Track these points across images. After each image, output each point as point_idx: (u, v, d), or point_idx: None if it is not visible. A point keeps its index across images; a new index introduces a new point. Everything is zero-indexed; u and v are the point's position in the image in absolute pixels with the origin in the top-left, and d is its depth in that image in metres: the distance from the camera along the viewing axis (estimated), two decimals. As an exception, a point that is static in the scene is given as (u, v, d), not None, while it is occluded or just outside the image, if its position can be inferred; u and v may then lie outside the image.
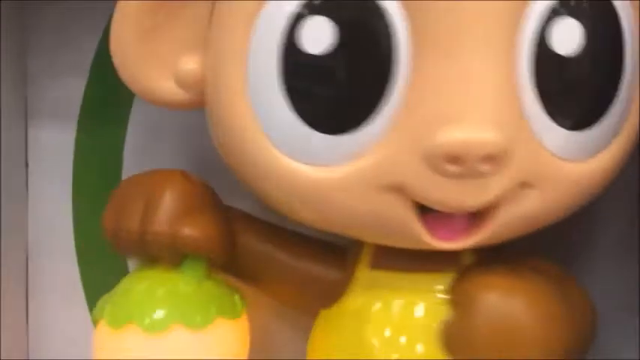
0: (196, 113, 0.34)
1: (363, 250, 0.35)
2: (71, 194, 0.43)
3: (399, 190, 0.30)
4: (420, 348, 0.33)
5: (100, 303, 0.36)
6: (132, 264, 0.41)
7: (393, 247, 0.33)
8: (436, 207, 0.30)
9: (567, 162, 0.31)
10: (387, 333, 0.33)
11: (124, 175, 0.42)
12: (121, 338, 0.35)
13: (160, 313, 0.34)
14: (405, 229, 0.31)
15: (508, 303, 0.31)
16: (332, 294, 0.35)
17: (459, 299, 0.32)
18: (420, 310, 0.33)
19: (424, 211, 0.31)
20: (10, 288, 0.42)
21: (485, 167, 0.29)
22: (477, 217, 0.31)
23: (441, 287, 0.33)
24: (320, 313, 0.36)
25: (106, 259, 0.42)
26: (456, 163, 0.29)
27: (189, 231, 0.34)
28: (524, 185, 0.30)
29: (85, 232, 0.43)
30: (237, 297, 0.37)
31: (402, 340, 0.33)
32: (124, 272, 0.41)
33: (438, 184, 0.29)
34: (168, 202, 0.34)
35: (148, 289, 0.35)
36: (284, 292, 0.37)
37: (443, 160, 0.29)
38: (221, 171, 0.35)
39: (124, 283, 0.36)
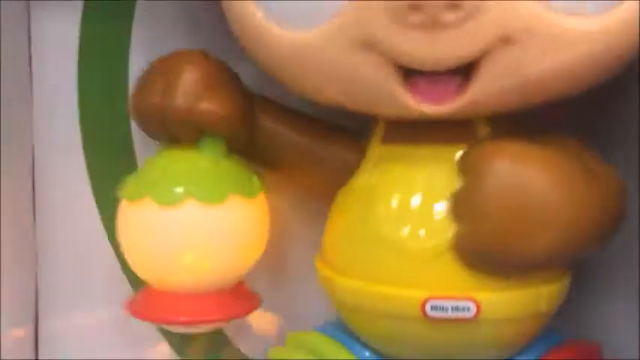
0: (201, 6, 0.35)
1: (377, 127, 0.35)
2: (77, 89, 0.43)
3: (372, 47, 0.30)
4: (431, 220, 0.32)
5: (124, 181, 0.37)
6: (140, 156, 0.42)
7: (403, 121, 0.32)
8: (411, 64, 0.30)
9: (562, 15, 0.29)
10: (398, 207, 0.32)
11: (131, 70, 0.42)
12: (137, 211, 0.36)
13: (173, 187, 0.35)
14: (387, 93, 0.30)
15: (521, 170, 0.29)
16: (348, 175, 0.35)
17: (468, 167, 0.31)
18: (431, 183, 0.32)
19: (409, 75, 0.30)
20: (16, 181, 0.42)
21: (449, 16, 0.28)
22: (463, 79, 0.30)
23: (453, 159, 0.32)
24: (336, 193, 0.36)
25: (113, 152, 0.42)
26: (417, 10, 0.28)
27: (207, 105, 0.34)
28: (507, 41, 0.29)
29: (92, 125, 0.43)
30: (254, 178, 0.37)
31: (414, 213, 0.32)
32: (130, 163, 0.42)
33: (408, 37, 0.29)
34: (187, 78, 0.34)
35: (165, 164, 0.36)
36: (302, 174, 0.37)
37: (404, 9, 0.28)
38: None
39: (146, 163, 0.37)
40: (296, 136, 0.37)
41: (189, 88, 0.34)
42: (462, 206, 0.31)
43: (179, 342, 0.44)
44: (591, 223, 0.30)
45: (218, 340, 0.44)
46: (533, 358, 0.34)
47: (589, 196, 0.30)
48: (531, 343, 0.34)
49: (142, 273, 0.38)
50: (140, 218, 0.36)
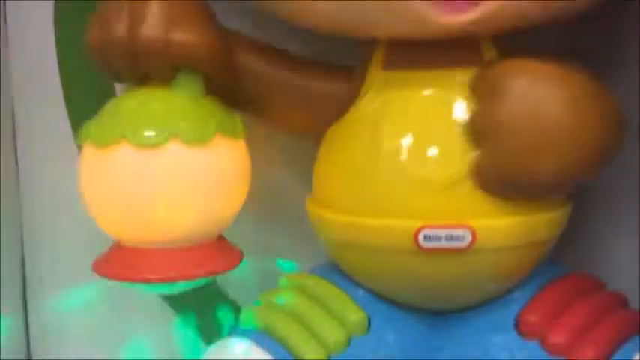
0: None
1: (375, 53, 0.33)
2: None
3: None
4: (441, 145, 0.30)
5: (84, 127, 0.34)
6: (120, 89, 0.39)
7: (405, 44, 0.31)
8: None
9: None
10: (406, 135, 0.31)
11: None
12: (110, 157, 0.32)
13: (154, 128, 0.32)
14: (405, 4, 0.29)
15: (541, 87, 0.29)
16: (339, 110, 0.33)
17: (485, 87, 0.30)
18: (440, 107, 0.31)
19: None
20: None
21: None
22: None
23: (461, 82, 0.31)
24: (327, 131, 0.34)
25: (92, 85, 0.39)
26: None
27: (182, 35, 0.32)
28: None
29: (69, 60, 0.40)
30: (237, 118, 0.35)
31: (425, 140, 0.31)
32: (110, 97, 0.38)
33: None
34: (157, 5, 0.32)
35: (140, 105, 0.33)
36: (287, 115, 0.35)
37: None
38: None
39: (111, 105, 0.34)
40: (277, 72, 0.35)
41: (160, 17, 0.31)
42: (481, 129, 0.30)
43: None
44: (599, 147, 0.29)
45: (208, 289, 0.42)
46: (532, 290, 0.33)
47: (598, 118, 0.29)
48: (531, 275, 0.33)
49: (115, 228, 0.34)
50: (115, 165, 0.32)
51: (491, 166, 0.30)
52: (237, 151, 0.34)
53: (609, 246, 0.38)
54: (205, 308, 0.42)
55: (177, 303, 0.42)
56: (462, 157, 0.30)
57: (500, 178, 0.30)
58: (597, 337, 0.30)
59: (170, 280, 0.33)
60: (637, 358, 0.30)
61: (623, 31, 0.37)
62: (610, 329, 0.31)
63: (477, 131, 0.30)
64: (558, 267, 0.34)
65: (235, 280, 0.43)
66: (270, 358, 0.31)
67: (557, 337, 0.30)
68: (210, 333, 0.42)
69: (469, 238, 0.30)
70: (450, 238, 0.30)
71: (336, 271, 0.35)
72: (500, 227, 0.30)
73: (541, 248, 0.32)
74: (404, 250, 0.30)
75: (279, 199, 0.41)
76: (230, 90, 0.34)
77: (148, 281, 0.33)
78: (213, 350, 0.34)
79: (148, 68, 0.33)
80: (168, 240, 0.33)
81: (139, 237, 0.33)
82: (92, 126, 0.33)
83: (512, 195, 0.30)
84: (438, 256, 0.30)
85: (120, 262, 0.34)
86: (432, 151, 0.31)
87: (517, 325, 0.32)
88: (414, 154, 0.31)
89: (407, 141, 0.31)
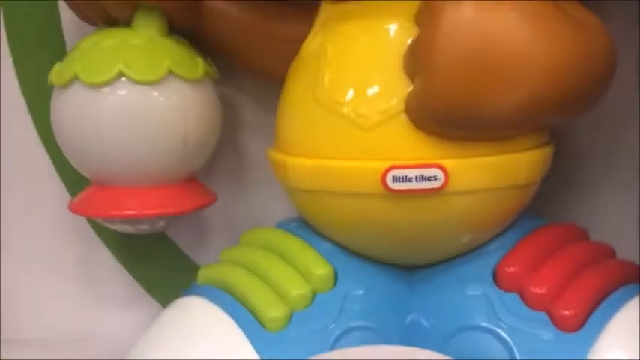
0: None
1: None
2: None
3: None
4: (385, 82, 0.28)
5: (54, 68, 0.33)
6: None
7: None
8: None
9: None
10: (347, 70, 0.29)
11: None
12: (66, 96, 0.32)
13: (103, 64, 0.31)
14: None
15: (488, 14, 0.26)
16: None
17: (426, 14, 0.27)
18: (384, 42, 0.28)
19: None
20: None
21: None
22: None
23: (406, 13, 0.28)
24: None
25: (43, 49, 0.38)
26: None
27: None
28: None
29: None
30: (199, 60, 0.33)
31: (365, 75, 0.28)
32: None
33: None
34: None
35: (95, 43, 0.32)
36: (255, 58, 0.33)
37: None
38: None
39: (75, 46, 0.33)
40: (243, 14, 0.33)
41: None
42: (415, 59, 0.27)
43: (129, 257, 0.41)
44: (574, 78, 0.26)
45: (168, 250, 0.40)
46: (511, 242, 0.30)
47: (572, 46, 0.26)
48: (509, 227, 0.31)
49: (80, 166, 0.34)
50: (70, 102, 0.32)
51: (422, 101, 0.27)
52: (195, 92, 0.33)
53: (599, 197, 0.36)
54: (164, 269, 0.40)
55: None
56: (399, 92, 0.28)
57: (433, 115, 0.27)
58: (580, 289, 0.28)
59: (138, 217, 0.33)
60: (623, 309, 0.28)
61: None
62: (593, 280, 0.28)
63: (411, 63, 0.27)
64: (538, 220, 0.32)
65: (198, 240, 0.41)
66: (226, 315, 0.29)
67: (538, 289, 0.28)
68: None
69: (442, 178, 0.27)
70: (422, 178, 0.27)
71: (303, 225, 0.32)
72: (474, 167, 0.28)
73: (519, 193, 0.29)
74: (372, 193, 0.28)
75: (247, 152, 0.39)
76: (196, 31, 0.33)
77: (116, 217, 0.34)
78: (169, 309, 0.32)
79: (109, 8, 0.32)
80: (132, 179, 0.33)
81: (104, 176, 0.33)
82: (56, 66, 0.33)
83: (455, 135, 0.27)
84: (409, 200, 0.28)
85: (92, 201, 0.34)
86: (372, 86, 0.28)
87: (495, 278, 0.29)
88: (354, 90, 0.28)
89: (348, 76, 0.29)
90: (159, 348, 0.29)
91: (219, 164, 0.39)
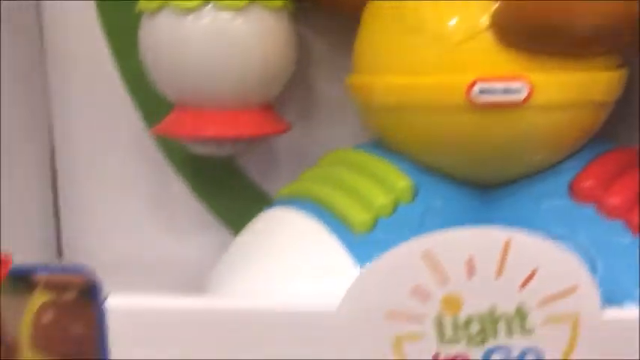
0: None
1: None
2: None
3: None
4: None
5: None
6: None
7: None
8: None
9: None
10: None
11: None
12: (156, 21, 0.34)
13: None
14: None
15: None
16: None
17: None
18: None
19: None
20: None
21: None
22: None
23: None
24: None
25: None
26: None
27: None
28: None
29: None
30: None
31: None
32: None
33: None
34: None
35: None
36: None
37: None
38: None
39: None
40: None
41: None
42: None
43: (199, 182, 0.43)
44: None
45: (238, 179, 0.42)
46: (584, 160, 0.31)
47: None
48: (582, 149, 0.32)
49: (166, 89, 0.36)
50: (159, 28, 0.34)
51: (512, 15, 0.28)
52: (275, 21, 0.34)
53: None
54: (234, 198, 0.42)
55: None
56: (484, 8, 0.29)
57: (521, 29, 0.28)
58: (655, 200, 0.30)
59: (220, 137, 0.35)
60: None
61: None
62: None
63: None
64: (608, 143, 0.33)
65: (271, 171, 0.43)
66: (314, 221, 0.31)
67: (614, 200, 0.29)
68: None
69: (526, 91, 0.29)
70: (507, 91, 0.29)
71: (380, 147, 0.34)
72: (556, 82, 0.29)
73: (595, 112, 0.31)
74: (458, 107, 0.29)
75: (319, 85, 0.40)
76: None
77: (199, 138, 0.36)
78: (255, 222, 0.34)
79: None
80: (216, 101, 0.35)
81: (188, 99, 0.35)
82: None
83: (541, 48, 0.29)
84: (492, 113, 0.29)
85: (178, 122, 0.36)
86: (454, 4, 0.29)
87: (570, 192, 0.31)
88: (435, 8, 0.30)
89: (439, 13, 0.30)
90: (254, 257, 0.31)
91: (291, 97, 0.41)
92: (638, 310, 0.23)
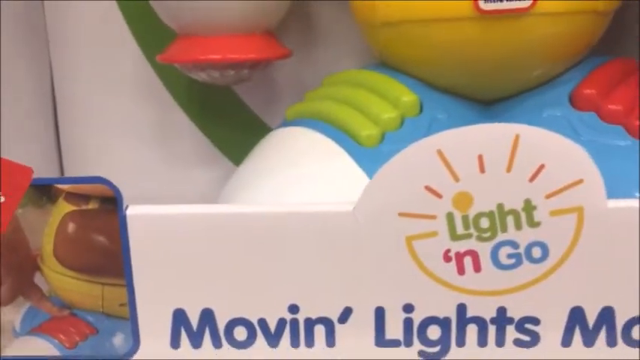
0: None
1: None
2: None
3: None
4: None
5: None
6: None
7: None
8: None
9: None
10: None
11: None
12: None
13: None
14: None
15: None
16: None
17: None
18: None
19: None
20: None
21: None
22: None
23: None
24: None
25: None
26: None
27: None
28: None
29: None
30: None
31: None
32: None
33: None
34: None
35: None
36: None
37: None
38: None
39: None
40: None
41: None
42: None
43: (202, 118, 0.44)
44: None
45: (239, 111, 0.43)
46: (584, 72, 0.32)
47: None
48: (581, 62, 0.33)
49: (170, 18, 0.36)
50: None
51: None
52: None
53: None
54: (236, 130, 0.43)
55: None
56: None
57: None
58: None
59: (223, 60, 0.35)
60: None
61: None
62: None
63: None
64: (609, 56, 0.34)
65: (272, 103, 0.44)
66: (324, 136, 0.31)
67: (614, 106, 0.30)
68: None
69: (531, -2, 0.29)
70: (512, -2, 0.29)
71: (381, 66, 0.34)
72: (560, -11, 0.30)
73: (597, 21, 0.31)
74: (463, 17, 0.30)
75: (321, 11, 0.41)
76: None
77: (203, 61, 0.36)
78: (264, 140, 0.34)
79: None
80: (216, 27, 0.35)
81: (191, 27, 0.35)
82: None
83: None
84: (498, 22, 0.30)
85: (181, 49, 0.36)
86: None
87: (571, 101, 0.32)
88: None
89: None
90: (264, 172, 0.32)
91: (291, 27, 0.41)
92: (638, 201, 0.24)
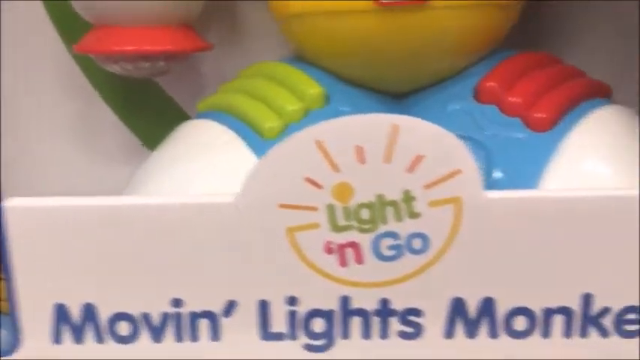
0: None
1: None
2: None
3: None
4: None
5: None
6: None
7: None
8: None
9: None
10: None
11: None
12: None
13: None
14: None
15: None
16: None
17: None
18: None
19: None
20: None
21: None
22: None
23: None
24: None
25: None
26: None
27: None
28: None
29: None
30: None
31: None
32: None
33: None
34: None
35: None
36: None
37: None
38: None
39: None
40: None
41: None
42: None
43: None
44: None
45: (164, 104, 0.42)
46: (491, 65, 0.32)
47: None
48: (489, 54, 0.32)
49: (83, 9, 0.36)
50: None
51: None
52: None
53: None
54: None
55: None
56: None
57: None
58: (553, 97, 0.30)
59: (137, 52, 0.35)
60: (595, 112, 0.30)
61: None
62: (567, 91, 0.30)
63: None
64: (514, 51, 0.33)
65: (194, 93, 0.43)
66: (226, 128, 0.31)
67: (514, 99, 0.30)
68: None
69: (427, -11, 0.29)
70: (409, -10, 0.29)
71: (296, 59, 0.34)
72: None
73: (501, 14, 0.31)
74: (363, 10, 0.30)
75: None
76: None
77: (117, 53, 0.35)
78: (171, 134, 0.34)
79: None
80: (131, 18, 0.35)
81: (105, 16, 0.35)
82: None
83: None
84: (398, 14, 0.29)
85: (95, 39, 0.36)
86: None
87: (476, 94, 0.31)
88: None
89: None
90: (165, 165, 0.32)
91: (215, 19, 0.41)
92: (517, 192, 0.24)
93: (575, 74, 0.33)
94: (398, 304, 0.25)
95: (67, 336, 0.25)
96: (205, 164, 0.30)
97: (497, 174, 0.29)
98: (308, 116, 0.31)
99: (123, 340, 0.25)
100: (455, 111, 0.31)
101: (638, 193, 0.23)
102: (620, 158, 0.28)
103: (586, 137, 0.29)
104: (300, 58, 0.34)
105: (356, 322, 0.25)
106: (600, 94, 0.32)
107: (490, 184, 0.29)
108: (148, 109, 0.43)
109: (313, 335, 0.25)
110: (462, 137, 0.30)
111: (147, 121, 0.43)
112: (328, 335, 0.25)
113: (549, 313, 0.25)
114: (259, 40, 0.41)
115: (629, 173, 0.28)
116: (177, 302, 0.25)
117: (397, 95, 0.34)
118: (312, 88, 0.32)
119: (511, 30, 0.35)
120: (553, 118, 0.29)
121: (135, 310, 0.25)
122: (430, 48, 0.31)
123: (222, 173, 0.29)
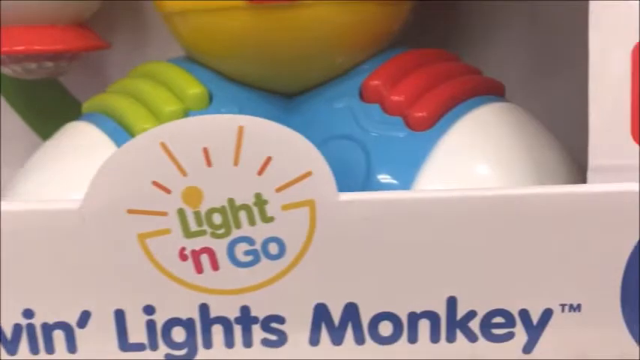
0: None
1: None
2: None
3: None
4: None
5: None
6: None
7: None
8: None
9: None
10: None
11: None
12: None
13: None
14: None
15: None
16: None
17: None
18: None
19: None
20: None
21: None
22: None
23: None
24: None
25: None
26: None
27: None
28: None
29: None
30: None
31: None
32: None
33: None
34: None
35: None
36: None
37: None
38: None
39: None
40: None
41: None
42: None
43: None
44: None
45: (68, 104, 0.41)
46: (379, 62, 0.31)
47: None
48: (382, 52, 0.32)
49: None
50: None
51: None
52: None
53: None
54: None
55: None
56: None
57: None
58: (436, 96, 0.29)
59: (26, 52, 0.34)
60: (475, 110, 0.29)
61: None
62: (452, 89, 0.29)
63: None
64: (405, 48, 0.33)
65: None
66: (100, 131, 0.30)
67: (396, 97, 0.29)
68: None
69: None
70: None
71: (186, 59, 0.33)
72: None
73: (383, 11, 0.30)
74: (236, 5, 0.29)
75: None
76: None
77: (5, 53, 0.34)
78: (51, 139, 0.33)
79: None
80: (20, 18, 0.34)
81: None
82: None
83: None
84: (271, 10, 0.28)
85: None
86: None
87: (361, 93, 0.31)
88: None
89: None
90: (36, 169, 0.30)
91: (116, 16, 0.40)
92: (370, 194, 0.23)
93: (466, 71, 0.32)
94: (259, 311, 0.24)
95: None
96: (72, 168, 0.28)
97: (379, 175, 0.28)
98: (188, 116, 0.31)
99: (-25, 353, 0.25)
100: (340, 110, 0.30)
101: (493, 193, 0.22)
102: (496, 156, 0.27)
103: (464, 136, 0.28)
104: (189, 58, 0.33)
105: (218, 331, 0.24)
106: (491, 91, 0.31)
107: (370, 186, 0.29)
108: (54, 111, 0.42)
109: (174, 345, 0.25)
110: (343, 137, 0.30)
111: (54, 125, 0.42)
112: (190, 344, 0.25)
113: (414, 317, 0.24)
114: (165, 40, 0.40)
115: (506, 172, 0.27)
116: (28, 313, 0.24)
117: (288, 95, 0.33)
118: (193, 88, 0.31)
119: (421, 29, 0.34)
120: (434, 117, 0.29)
121: (-15, 323, 0.24)
122: (309, 46, 0.30)
123: (87, 177, 0.28)
